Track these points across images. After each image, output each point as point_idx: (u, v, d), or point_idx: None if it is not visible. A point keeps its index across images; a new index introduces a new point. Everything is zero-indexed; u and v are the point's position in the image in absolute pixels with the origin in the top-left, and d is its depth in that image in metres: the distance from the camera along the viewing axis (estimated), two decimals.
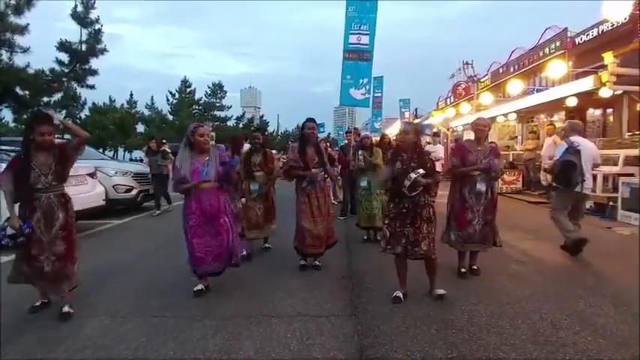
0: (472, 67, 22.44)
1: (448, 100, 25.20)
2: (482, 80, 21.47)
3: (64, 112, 25.78)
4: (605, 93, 9.11)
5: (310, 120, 5.00)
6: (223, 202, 4.08)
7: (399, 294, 3.86)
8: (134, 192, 9.35)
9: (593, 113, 13.44)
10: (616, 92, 9.57)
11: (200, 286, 4.08)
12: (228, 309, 3.67)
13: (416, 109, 34.85)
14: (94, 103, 35.19)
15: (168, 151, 10.17)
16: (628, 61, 9.49)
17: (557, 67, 10.96)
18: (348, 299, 3.98)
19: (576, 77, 11.67)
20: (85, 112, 35.29)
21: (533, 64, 16.91)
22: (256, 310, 3.66)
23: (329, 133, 38.70)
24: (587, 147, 5.65)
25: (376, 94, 16.75)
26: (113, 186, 8.79)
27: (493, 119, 15.18)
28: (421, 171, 3.66)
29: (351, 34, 8.66)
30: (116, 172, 9.14)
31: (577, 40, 14.23)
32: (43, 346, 3.05)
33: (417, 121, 21.97)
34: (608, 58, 8.84)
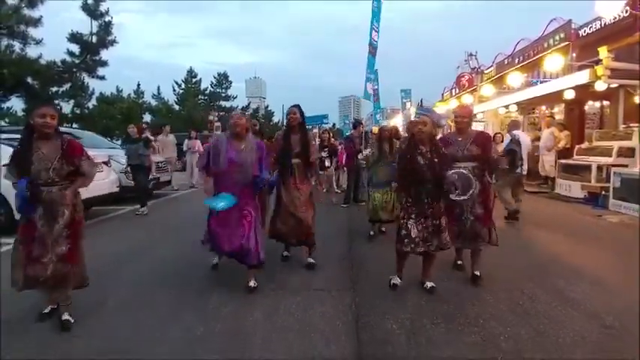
0: (476, 58, 22.47)
1: (453, 91, 25.28)
2: (486, 72, 21.54)
3: (72, 102, 26.16)
4: (600, 86, 9.34)
5: (293, 106, 4.81)
6: (248, 194, 3.97)
7: (398, 281, 3.99)
8: None
9: (593, 105, 13.63)
10: (611, 85, 9.79)
11: (216, 260, 4.48)
12: (239, 283, 4.00)
13: (421, 100, 34.76)
14: (101, 93, 35.37)
15: (152, 138, 9.25)
16: (624, 55, 9.69)
17: (554, 61, 11.18)
18: (348, 277, 4.36)
19: (579, 69, 11.81)
20: (92, 102, 35.57)
21: (538, 56, 16.98)
22: (264, 284, 4.02)
23: (334, 124, 38.84)
24: (525, 139, 7.09)
25: (374, 87, 17.21)
26: (125, 173, 9.13)
27: (494, 111, 15.46)
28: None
29: (373, 29, 9.04)
30: None
31: (581, 32, 14.28)
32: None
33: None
34: (603, 52, 9.07)
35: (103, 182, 7.68)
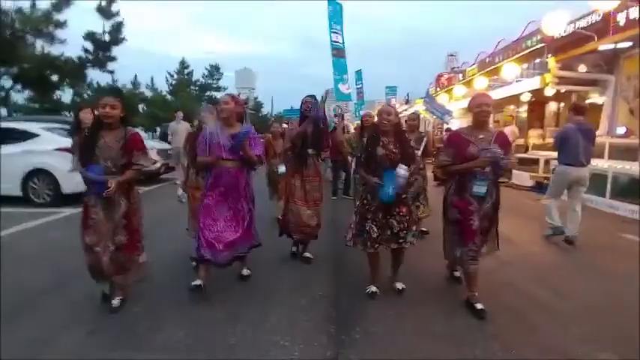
0: (456, 58, 23.93)
1: (437, 88, 26.55)
2: (469, 69, 22.79)
3: (71, 90, 27.21)
4: (549, 92, 11.06)
5: (309, 96, 4.72)
6: (243, 186, 3.77)
7: (374, 288, 3.79)
8: (157, 165, 10.83)
9: (555, 106, 15.20)
10: (562, 90, 11.48)
11: (199, 282, 3.57)
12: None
13: (407, 94, 35.30)
14: (97, 82, 36.04)
15: None
16: (571, 65, 11.29)
17: (510, 69, 12.79)
18: (334, 249, 5.39)
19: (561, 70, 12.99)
20: (88, 92, 36.21)
21: (515, 57, 18.13)
22: (267, 252, 4.77)
23: None
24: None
25: (358, 86, 18.11)
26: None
27: (465, 109, 16.93)
28: (404, 169, 3.44)
29: (333, 32, 9.08)
30: None
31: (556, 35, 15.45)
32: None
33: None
34: (551, 62, 10.72)
35: None
